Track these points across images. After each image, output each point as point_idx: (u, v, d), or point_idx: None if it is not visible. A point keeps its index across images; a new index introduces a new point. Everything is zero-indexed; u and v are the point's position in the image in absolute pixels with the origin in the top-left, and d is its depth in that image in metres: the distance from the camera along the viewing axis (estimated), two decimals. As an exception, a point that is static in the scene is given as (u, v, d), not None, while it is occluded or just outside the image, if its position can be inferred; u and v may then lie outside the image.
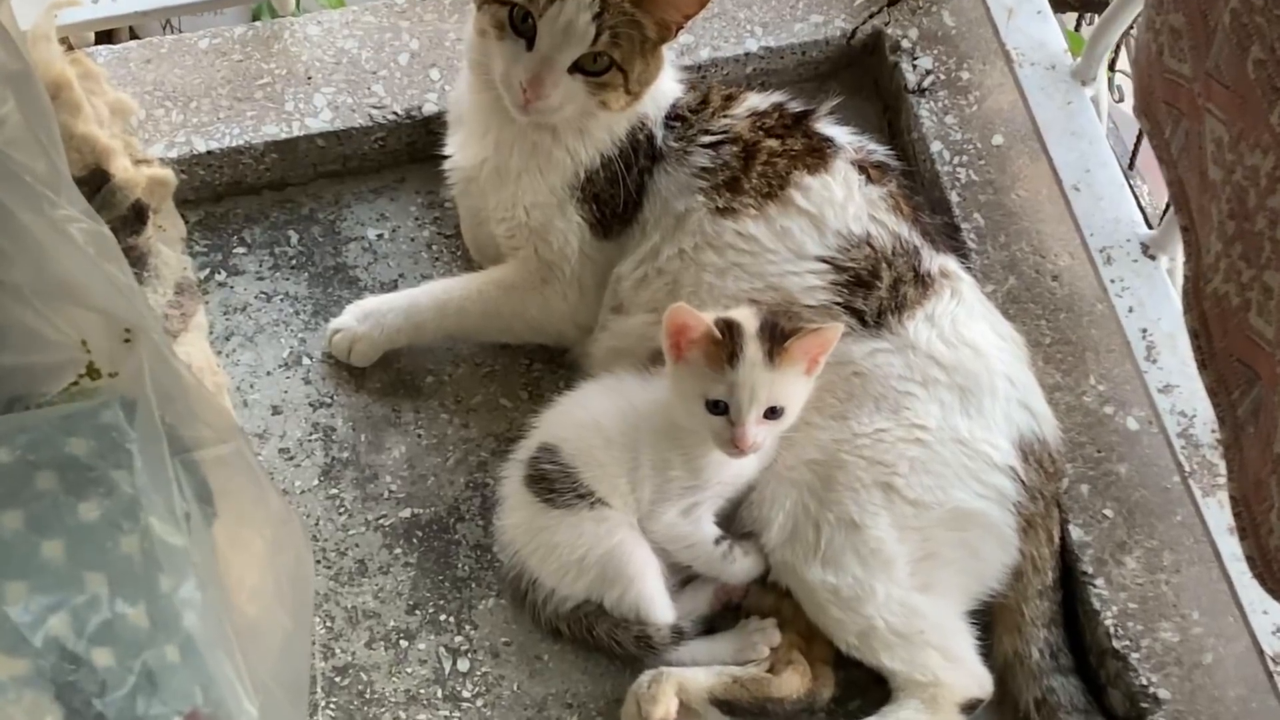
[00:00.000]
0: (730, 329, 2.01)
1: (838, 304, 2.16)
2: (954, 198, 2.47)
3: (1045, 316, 2.35)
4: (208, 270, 2.52)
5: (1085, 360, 2.31)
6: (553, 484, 2.13)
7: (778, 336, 2.01)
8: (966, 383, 2.12)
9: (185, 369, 1.41)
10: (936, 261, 2.22)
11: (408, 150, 2.61)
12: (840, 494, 2.09)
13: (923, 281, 2.18)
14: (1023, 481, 2.11)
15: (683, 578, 2.22)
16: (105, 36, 2.85)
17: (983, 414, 2.11)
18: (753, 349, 1.99)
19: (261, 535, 1.52)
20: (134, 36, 3.02)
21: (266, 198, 2.60)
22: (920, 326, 2.14)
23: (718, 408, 2.01)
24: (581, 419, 2.18)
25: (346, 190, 2.62)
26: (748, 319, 2.03)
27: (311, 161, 2.58)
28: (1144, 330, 2.20)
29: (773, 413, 1.99)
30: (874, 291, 2.16)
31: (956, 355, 2.13)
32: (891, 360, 2.13)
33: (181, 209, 2.54)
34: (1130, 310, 2.21)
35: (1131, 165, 2.68)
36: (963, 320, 2.17)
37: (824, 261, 2.18)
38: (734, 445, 2.02)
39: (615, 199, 2.28)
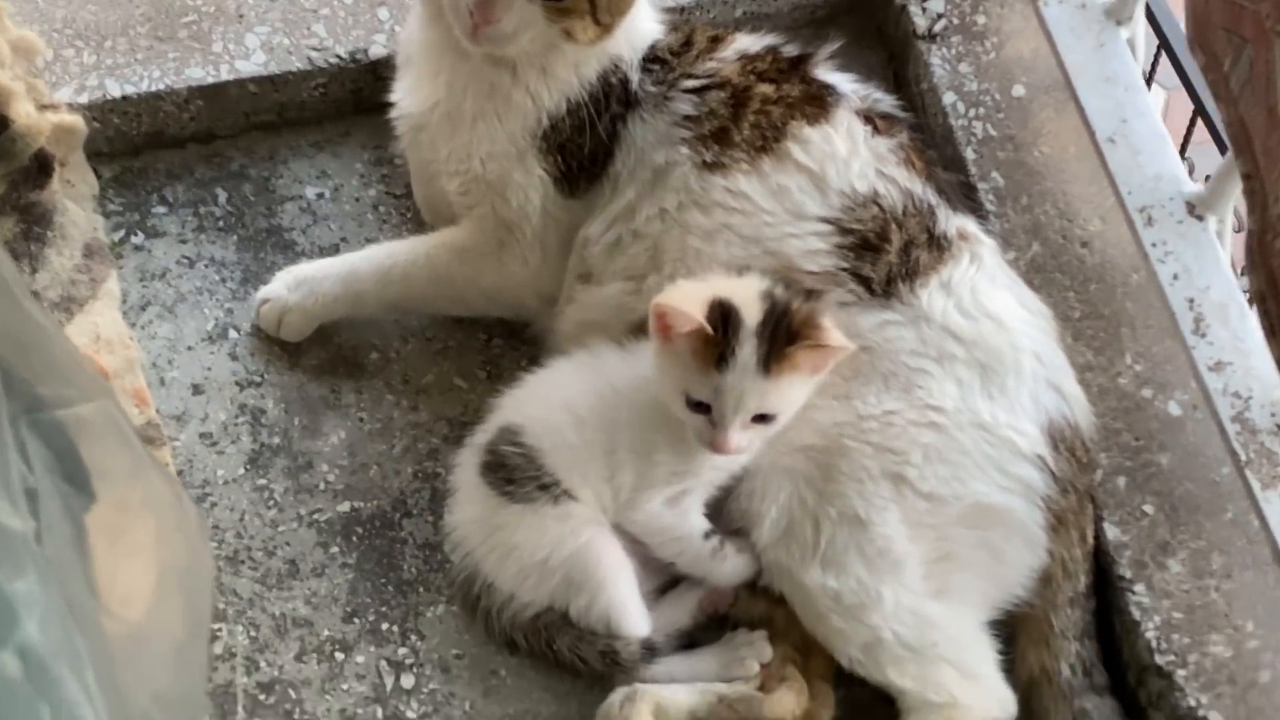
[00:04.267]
0: (727, 322, 1.79)
1: (843, 270, 1.96)
2: (969, 155, 2.27)
3: (1074, 288, 2.16)
4: (123, 231, 2.31)
5: (1120, 337, 2.11)
6: (512, 473, 1.92)
7: (780, 335, 1.80)
8: (988, 359, 1.92)
9: (42, 312, 1.19)
10: (953, 222, 2.02)
11: (352, 99, 2.40)
12: (843, 485, 1.88)
13: (938, 245, 1.98)
14: (1052, 472, 1.91)
15: (660, 584, 2.00)
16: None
17: (1006, 395, 1.91)
18: (746, 352, 1.78)
19: (143, 522, 1.29)
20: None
21: (191, 152, 2.39)
22: (935, 295, 1.95)
23: (700, 407, 1.81)
24: (550, 397, 1.97)
25: (283, 144, 2.41)
26: (750, 304, 1.82)
27: (243, 110, 2.37)
28: (1191, 300, 2.00)
29: (762, 418, 1.81)
30: (883, 256, 1.96)
31: (976, 328, 1.93)
32: (902, 333, 1.93)
33: (94, 163, 2.33)
34: (1175, 278, 2.02)
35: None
36: (983, 289, 1.97)
37: (826, 223, 1.98)
38: (714, 448, 1.83)
39: (583, 150, 2.08)
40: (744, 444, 1.84)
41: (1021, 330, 1.96)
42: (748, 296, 1.84)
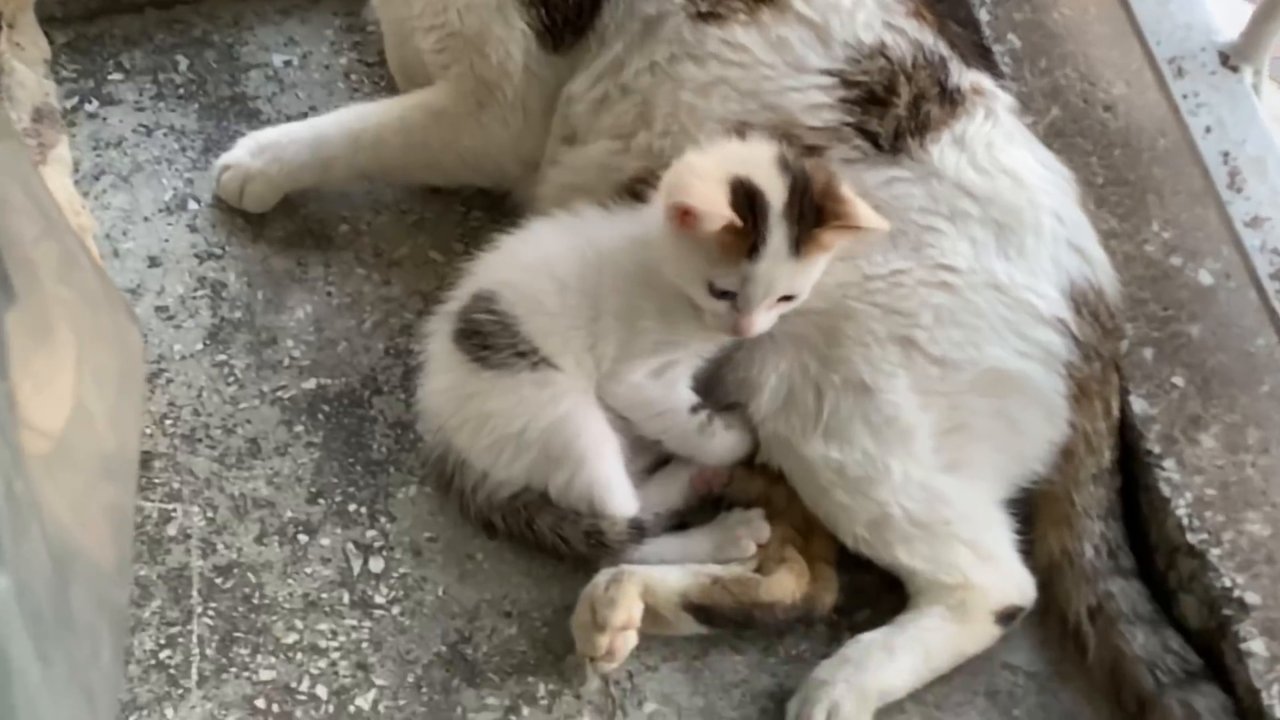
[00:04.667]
0: (754, 208, 1.64)
1: (847, 125, 1.81)
2: (984, 16, 2.14)
3: (1096, 153, 2.03)
4: (76, 99, 2.18)
5: (1146, 203, 1.98)
6: (487, 339, 1.77)
7: (807, 214, 1.65)
8: (1005, 218, 1.78)
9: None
10: (967, 77, 1.88)
11: (324, -39, 2.25)
12: (847, 350, 1.75)
13: (950, 99, 1.84)
14: (1074, 337, 1.77)
15: (650, 462, 1.86)
16: None
17: (1025, 256, 1.78)
18: (777, 239, 1.65)
19: (58, 301, 1.13)
20: None
21: (150, 17, 2.26)
22: (947, 151, 1.81)
23: (724, 295, 1.68)
24: (528, 260, 1.82)
25: (248, 10, 2.28)
26: (772, 183, 1.66)
27: (205, -27, 2.22)
28: (1225, 154, 1.87)
29: (786, 297, 1.69)
30: (890, 110, 1.82)
31: (992, 184, 1.79)
32: (912, 190, 1.79)
33: (47, 28, 2.19)
34: (1208, 130, 1.88)
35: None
36: (999, 145, 1.83)
37: (830, 75, 1.84)
38: (735, 332, 1.71)
39: (568, 1, 1.93)
40: (766, 325, 1.71)
41: (1040, 188, 1.82)
42: (766, 172, 1.68)
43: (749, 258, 1.65)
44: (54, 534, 1.08)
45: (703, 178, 1.66)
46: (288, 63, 2.21)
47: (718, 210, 1.62)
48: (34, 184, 1.18)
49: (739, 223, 1.63)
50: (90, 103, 2.17)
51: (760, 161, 1.69)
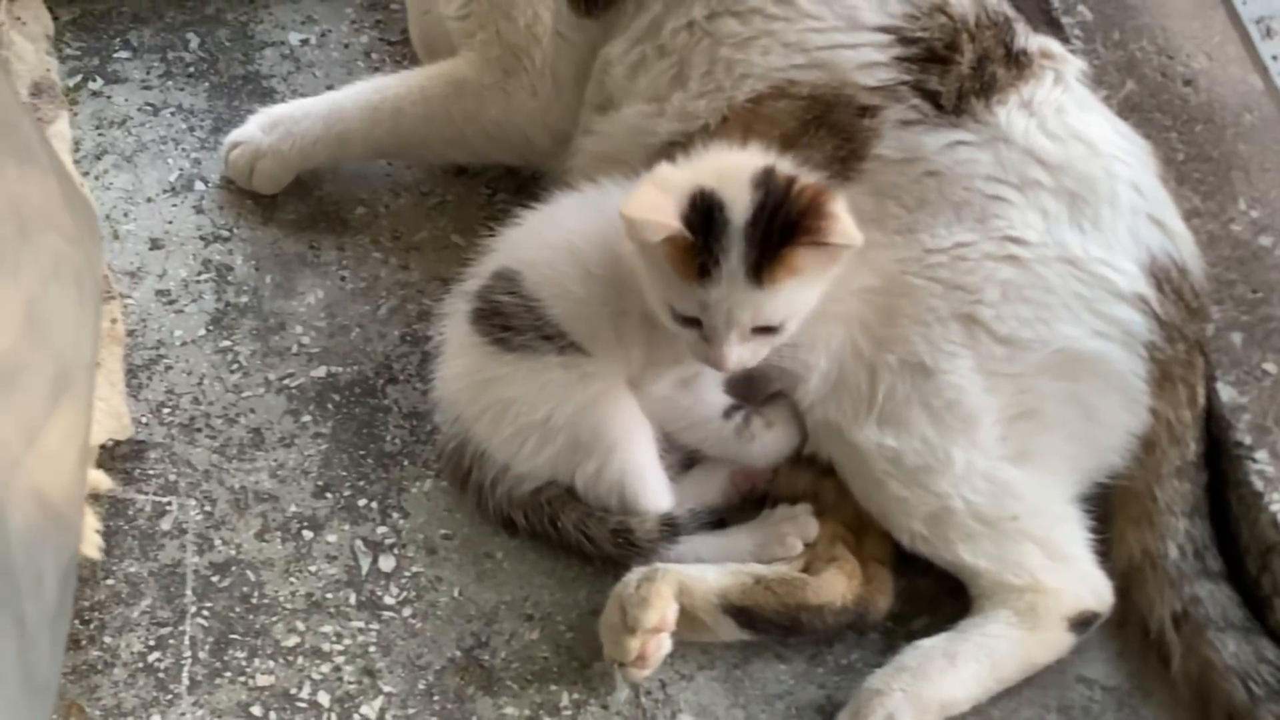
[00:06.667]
0: (709, 222, 1.52)
1: (904, 84, 1.72)
2: (1052, -14, 2.02)
3: (1176, 128, 1.95)
4: (79, 76, 2.11)
5: (1232, 181, 1.89)
6: (509, 320, 1.65)
7: (774, 233, 1.52)
8: (1078, 187, 1.68)
9: None
10: (1034, 40, 1.78)
11: (345, -66, 2.18)
12: (905, 329, 1.65)
13: (1017, 62, 1.75)
14: (1156, 316, 1.66)
15: (685, 456, 1.75)
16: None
17: (1100, 228, 1.67)
18: (733, 260, 1.51)
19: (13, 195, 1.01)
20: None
21: (160, -6, 2.18)
22: (1015, 115, 1.71)
23: (690, 320, 1.56)
24: (552, 239, 1.71)
25: (265, -13, 2.19)
26: (739, 194, 1.54)
27: (220, -52, 2.16)
28: (1320, 118, 1.74)
29: (766, 329, 1.56)
30: (953, 68, 1.72)
31: (1065, 151, 1.70)
32: (977, 155, 1.69)
33: (51, 4, 2.14)
34: (1300, 93, 1.76)
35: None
36: (1071, 110, 1.74)
37: (886, 32, 1.74)
38: (710, 364, 1.59)
39: (597, -36, 1.84)
40: (747, 358, 1.58)
41: (1117, 156, 1.73)
42: (738, 182, 1.56)
43: (699, 280, 1.52)
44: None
45: (662, 188, 1.55)
46: (305, 41, 2.14)
47: (658, 219, 1.50)
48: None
49: (687, 235, 1.51)
50: (95, 80, 2.10)
51: (737, 175, 1.57)
